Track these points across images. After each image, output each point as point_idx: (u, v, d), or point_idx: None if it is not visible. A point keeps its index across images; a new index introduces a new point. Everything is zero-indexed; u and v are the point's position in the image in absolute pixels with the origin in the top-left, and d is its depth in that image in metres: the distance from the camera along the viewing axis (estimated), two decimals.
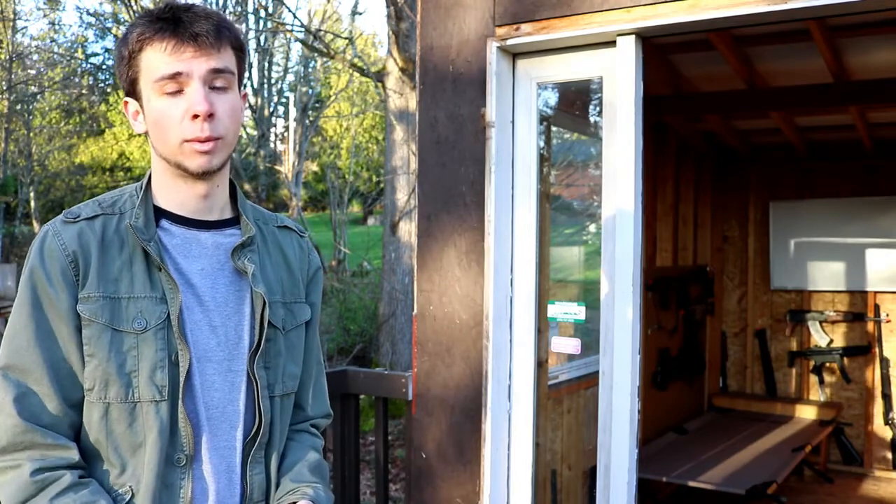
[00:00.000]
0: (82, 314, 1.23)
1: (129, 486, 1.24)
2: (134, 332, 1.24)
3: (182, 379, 1.25)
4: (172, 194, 1.32)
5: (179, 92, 1.24)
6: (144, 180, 1.35)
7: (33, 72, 16.68)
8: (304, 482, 1.36)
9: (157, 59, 1.23)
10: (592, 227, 3.99)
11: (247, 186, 13.11)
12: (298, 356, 1.43)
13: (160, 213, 1.32)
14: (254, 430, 1.33)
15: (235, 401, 1.32)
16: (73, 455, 1.22)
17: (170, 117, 1.24)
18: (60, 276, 1.23)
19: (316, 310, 1.50)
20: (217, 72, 1.25)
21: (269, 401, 1.35)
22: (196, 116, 1.23)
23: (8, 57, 14.53)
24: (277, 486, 1.37)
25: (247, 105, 1.40)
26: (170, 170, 1.30)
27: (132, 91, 1.29)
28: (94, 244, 1.26)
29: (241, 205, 1.40)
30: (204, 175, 1.29)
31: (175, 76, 1.23)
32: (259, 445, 1.33)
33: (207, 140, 1.25)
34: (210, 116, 1.24)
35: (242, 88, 1.37)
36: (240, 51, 1.32)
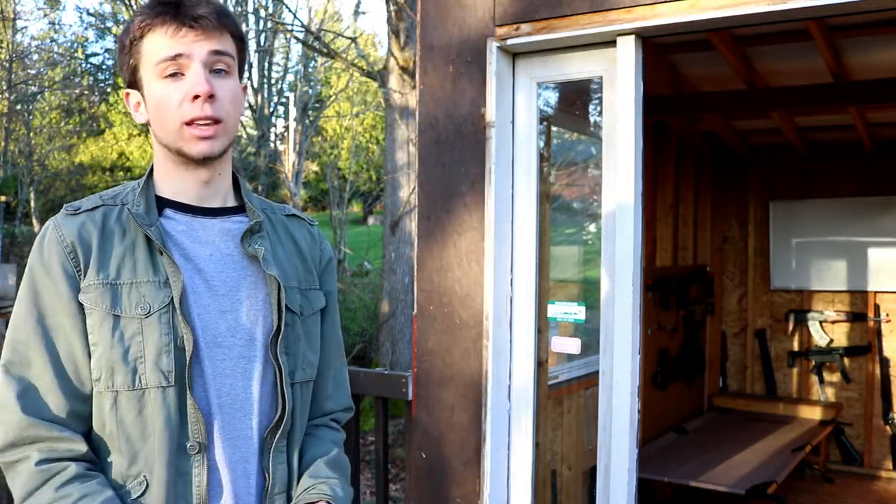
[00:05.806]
0: (84, 303, 1.21)
1: (144, 476, 1.21)
2: (137, 318, 1.21)
3: (188, 364, 1.22)
4: (174, 182, 1.31)
5: (180, 75, 1.24)
6: (146, 173, 1.34)
7: (33, 72, 16.67)
8: (321, 478, 1.34)
9: (159, 42, 1.23)
10: (592, 227, 3.99)
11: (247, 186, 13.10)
12: (316, 343, 1.41)
13: (163, 203, 1.31)
14: (276, 418, 1.30)
15: (249, 388, 1.29)
16: (81, 447, 1.21)
17: (170, 100, 1.24)
18: (60, 268, 1.22)
19: (332, 298, 1.46)
20: (218, 53, 1.25)
21: (291, 388, 1.32)
22: (196, 97, 1.22)
23: (8, 57, 14.52)
24: (298, 479, 1.34)
25: (246, 99, 1.39)
26: (171, 157, 1.29)
27: (133, 81, 1.29)
28: (94, 235, 1.24)
29: (246, 194, 1.39)
30: (205, 161, 1.28)
31: (176, 57, 1.23)
32: (282, 435, 1.30)
33: (208, 120, 1.24)
34: (211, 97, 1.23)
35: (242, 81, 1.36)
36: (240, 40, 1.32)
